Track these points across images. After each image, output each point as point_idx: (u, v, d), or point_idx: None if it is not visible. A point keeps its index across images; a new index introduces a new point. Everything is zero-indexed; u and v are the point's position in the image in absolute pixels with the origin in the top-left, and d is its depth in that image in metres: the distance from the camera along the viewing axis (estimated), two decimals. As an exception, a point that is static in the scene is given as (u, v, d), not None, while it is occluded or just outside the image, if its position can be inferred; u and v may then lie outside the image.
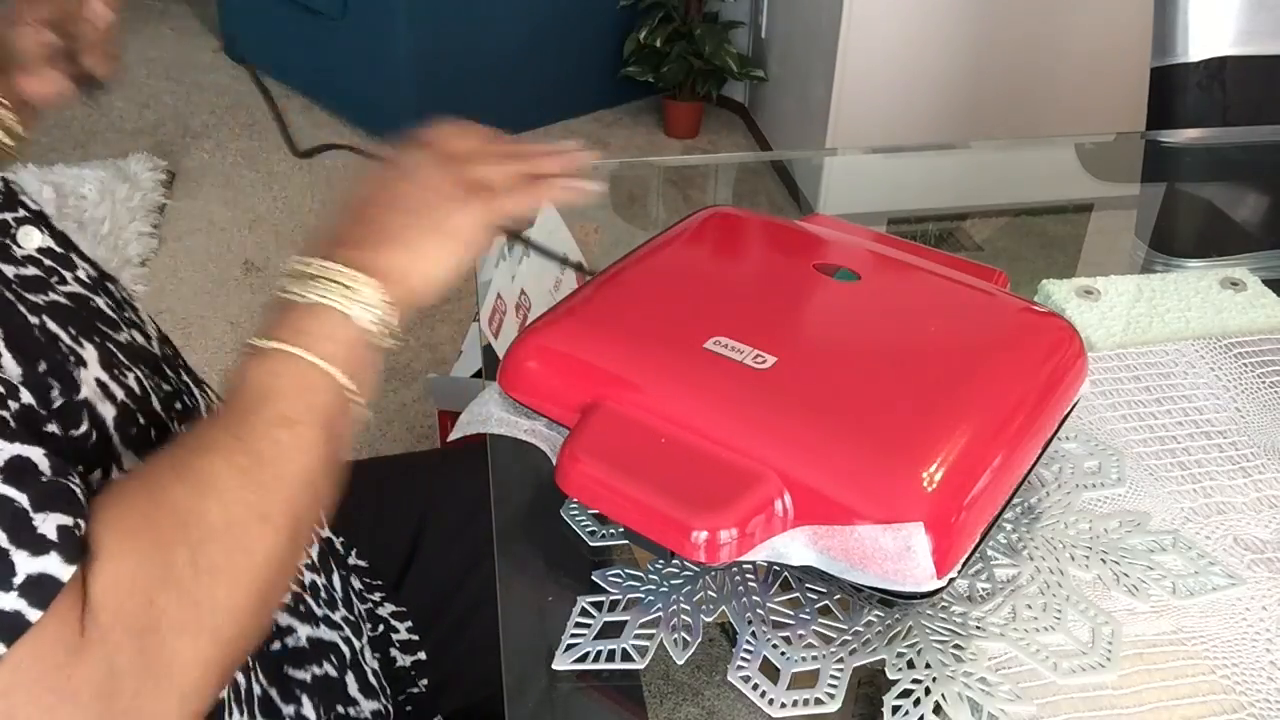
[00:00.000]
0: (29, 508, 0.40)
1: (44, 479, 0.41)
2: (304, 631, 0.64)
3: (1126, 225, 1.06)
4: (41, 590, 0.39)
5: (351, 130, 2.61)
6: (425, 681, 0.75)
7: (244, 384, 0.49)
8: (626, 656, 0.53)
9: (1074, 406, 0.59)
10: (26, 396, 0.46)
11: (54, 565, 0.40)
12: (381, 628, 0.75)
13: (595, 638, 0.54)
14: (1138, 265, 0.94)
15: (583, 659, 0.53)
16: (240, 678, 0.57)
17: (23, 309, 0.50)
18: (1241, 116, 1.16)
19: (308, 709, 0.62)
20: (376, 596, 0.76)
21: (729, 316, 0.58)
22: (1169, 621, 0.55)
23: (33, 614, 0.39)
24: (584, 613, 0.56)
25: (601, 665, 0.53)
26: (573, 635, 0.55)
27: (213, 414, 0.49)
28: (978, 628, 0.54)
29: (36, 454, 0.42)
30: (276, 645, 0.63)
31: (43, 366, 0.48)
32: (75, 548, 0.41)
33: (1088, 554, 0.58)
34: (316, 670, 0.64)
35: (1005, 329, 0.60)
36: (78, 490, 0.43)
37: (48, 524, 0.40)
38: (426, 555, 0.80)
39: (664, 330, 0.58)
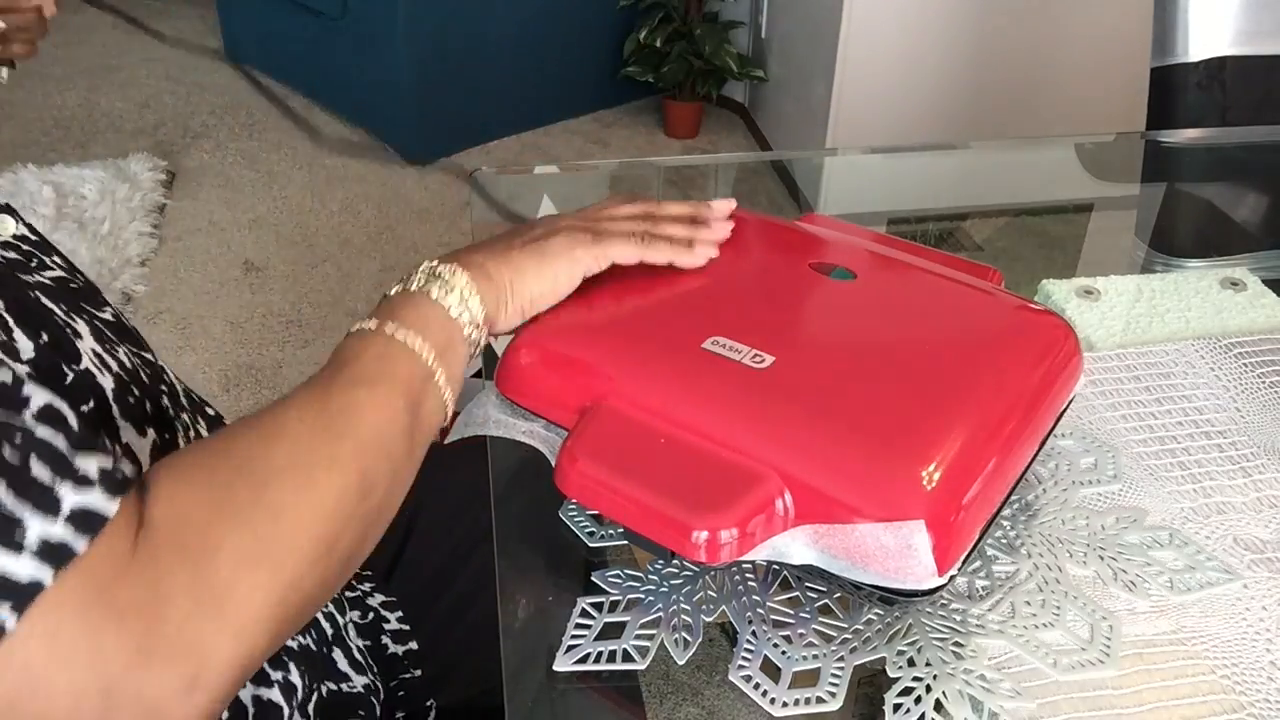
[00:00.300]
0: (66, 451, 0.40)
1: (75, 429, 0.41)
2: None
3: (1126, 225, 1.06)
4: (89, 521, 0.39)
5: (351, 130, 2.61)
6: (419, 671, 0.75)
7: (332, 357, 0.51)
8: (627, 657, 0.53)
9: (1070, 403, 0.59)
10: (43, 369, 0.47)
11: (98, 499, 0.39)
12: (371, 616, 0.76)
13: (596, 638, 0.54)
14: (1138, 265, 0.94)
15: (583, 660, 0.54)
16: None
17: (22, 278, 0.50)
18: (1241, 116, 1.16)
19: (294, 676, 0.62)
20: (366, 586, 0.77)
21: (726, 316, 0.58)
22: (1169, 621, 0.55)
23: (80, 543, 0.38)
24: (584, 614, 0.56)
25: (602, 666, 0.53)
26: (573, 636, 0.55)
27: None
28: (977, 625, 0.54)
29: (64, 407, 0.42)
30: None
31: (44, 338, 0.48)
32: (118, 486, 0.40)
33: (1085, 550, 0.58)
34: (302, 639, 0.64)
35: (1001, 327, 0.60)
36: (108, 441, 0.43)
37: (89, 464, 0.40)
38: (416, 547, 0.80)
39: (661, 330, 0.58)
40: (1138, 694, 0.52)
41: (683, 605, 0.56)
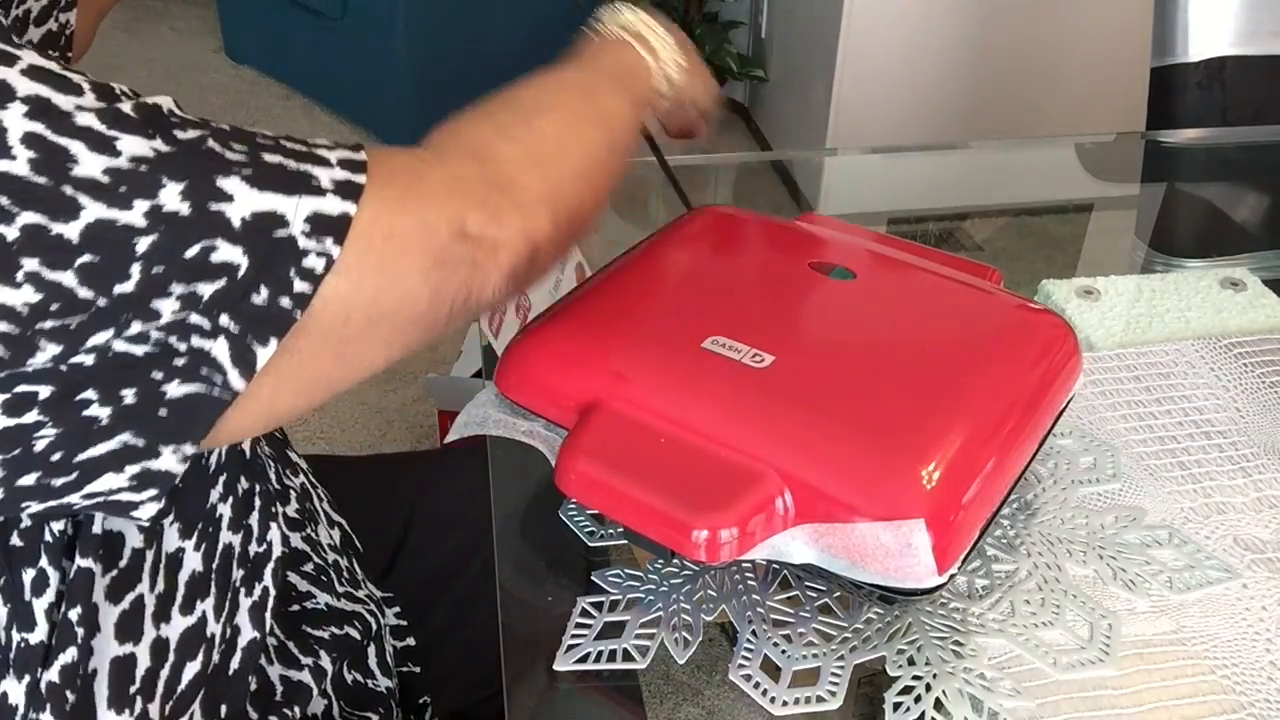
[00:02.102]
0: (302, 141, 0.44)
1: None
2: (323, 599, 0.66)
3: (1126, 225, 1.06)
4: (359, 165, 0.43)
5: (351, 130, 2.61)
6: (418, 668, 0.75)
7: (576, 52, 0.61)
8: (628, 656, 0.53)
9: (1069, 402, 0.60)
10: None
11: (356, 153, 0.44)
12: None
13: (596, 638, 0.54)
14: (1138, 265, 0.94)
15: (584, 659, 0.54)
16: (254, 633, 0.58)
17: None
18: (1241, 116, 1.16)
19: (325, 662, 0.64)
20: (364, 593, 0.77)
21: (726, 316, 0.58)
22: (1169, 621, 0.55)
23: (360, 177, 0.42)
24: (584, 613, 0.56)
25: (603, 666, 0.53)
26: (573, 636, 0.55)
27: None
28: (977, 624, 0.54)
29: None
30: (295, 608, 0.64)
31: None
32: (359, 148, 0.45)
33: (1085, 550, 0.58)
34: (336, 630, 0.66)
35: (1000, 326, 0.60)
36: None
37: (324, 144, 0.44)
38: (414, 547, 0.81)
39: (661, 330, 0.58)
40: (1137, 694, 0.52)
41: (683, 605, 0.56)
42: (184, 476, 0.48)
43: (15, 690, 0.46)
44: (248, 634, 0.57)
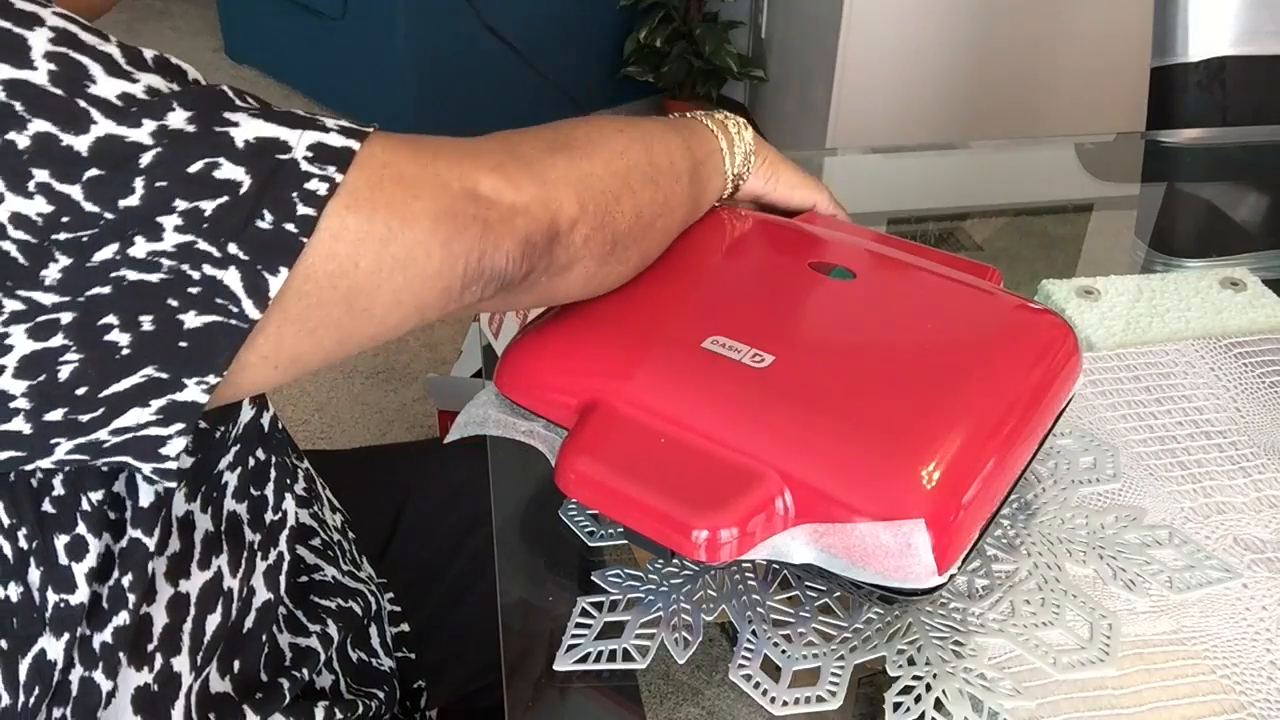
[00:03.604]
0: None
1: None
2: (330, 572, 0.67)
3: (1126, 225, 1.06)
4: (359, 133, 0.43)
5: (351, 130, 2.61)
6: (413, 655, 0.76)
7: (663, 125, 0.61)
8: (628, 656, 0.53)
9: (1069, 402, 0.60)
10: None
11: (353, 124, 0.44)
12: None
13: (596, 638, 0.55)
14: (1138, 265, 0.94)
15: (584, 659, 0.54)
16: (268, 594, 0.59)
17: None
18: (1241, 116, 1.16)
19: (332, 629, 0.65)
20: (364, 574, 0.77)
21: (726, 315, 0.58)
22: (1169, 621, 0.55)
23: (368, 127, 0.44)
24: (584, 613, 0.56)
25: (602, 665, 0.53)
26: (573, 635, 0.55)
27: None
28: (977, 624, 0.54)
29: None
30: (304, 579, 0.66)
31: None
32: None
33: (1084, 549, 0.58)
34: (342, 602, 0.67)
35: (1000, 326, 0.60)
36: None
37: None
38: (406, 535, 0.82)
39: (661, 330, 0.58)
40: (1137, 693, 0.52)
41: (683, 605, 0.56)
42: (197, 445, 0.48)
43: (54, 647, 0.48)
44: (262, 595, 0.59)
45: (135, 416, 0.42)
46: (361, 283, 0.43)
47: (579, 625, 0.55)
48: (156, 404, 0.41)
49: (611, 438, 0.53)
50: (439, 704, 0.77)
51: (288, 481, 0.61)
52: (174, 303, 0.40)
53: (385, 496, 0.83)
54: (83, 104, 0.37)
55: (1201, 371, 0.72)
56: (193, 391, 0.42)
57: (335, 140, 0.42)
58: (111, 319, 0.39)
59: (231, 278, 0.40)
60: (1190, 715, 0.51)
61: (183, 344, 0.41)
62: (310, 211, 0.41)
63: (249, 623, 0.58)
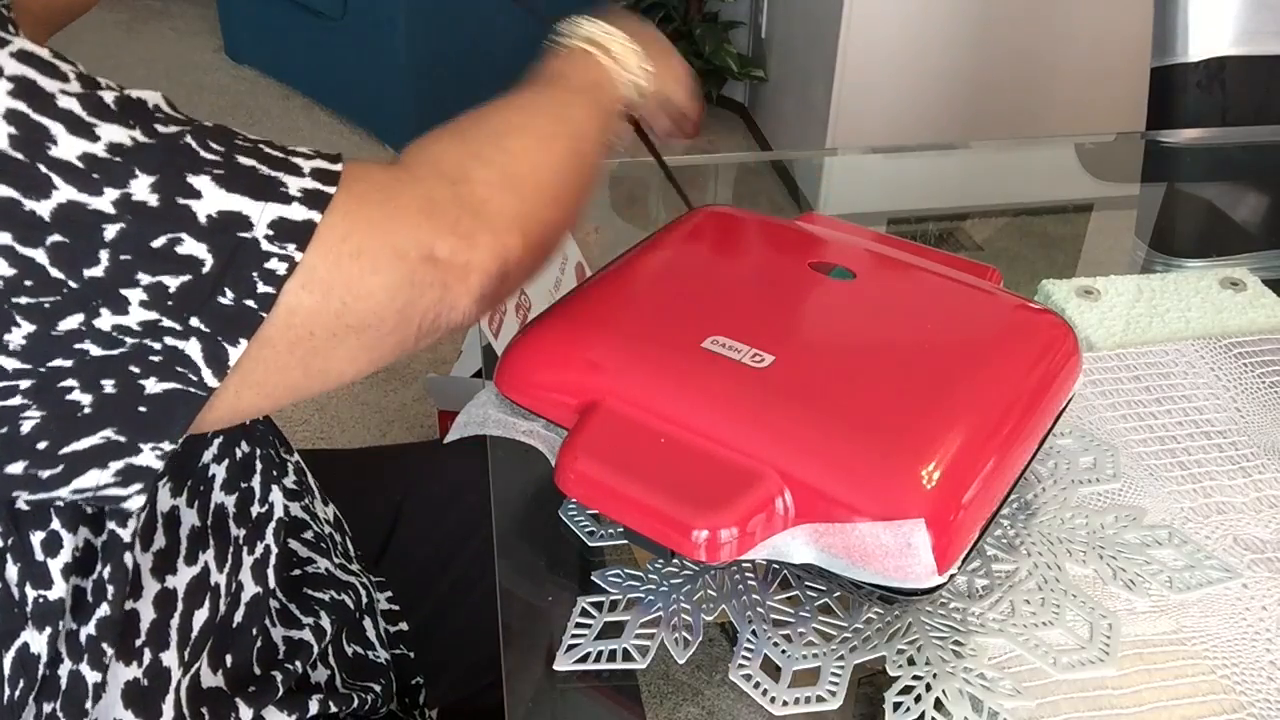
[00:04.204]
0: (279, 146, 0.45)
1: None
2: (323, 564, 0.68)
3: (1126, 225, 1.06)
4: (331, 176, 0.44)
5: (351, 130, 2.61)
6: (412, 653, 0.76)
7: (542, 70, 0.62)
8: (628, 656, 0.53)
9: (1069, 402, 0.60)
10: None
11: (329, 163, 0.45)
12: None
13: (596, 638, 0.55)
14: (1138, 265, 0.94)
15: (584, 659, 0.54)
16: (257, 588, 0.60)
17: None
18: (1241, 116, 1.16)
19: (325, 622, 0.65)
20: (354, 568, 0.77)
21: (726, 315, 0.58)
22: (1169, 621, 0.55)
23: (331, 189, 0.44)
24: (584, 613, 0.56)
25: (602, 665, 0.53)
26: (573, 635, 0.55)
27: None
28: (977, 624, 0.54)
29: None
30: (297, 572, 0.66)
31: None
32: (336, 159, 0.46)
33: (1084, 549, 0.58)
34: (335, 595, 0.67)
35: (1000, 325, 0.60)
36: None
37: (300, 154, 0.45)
38: (405, 534, 0.82)
39: (661, 330, 0.58)
40: (1137, 693, 0.52)
41: (683, 604, 0.56)
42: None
43: (37, 640, 0.49)
44: (251, 589, 0.59)
45: (94, 478, 0.43)
46: (319, 348, 0.44)
47: (579, 625, 0.55)
48: (115, 466, 0.43)
49: (611, 438, 0.53)
50: (439, 703, 0.77)
51: (274, 474, 0.62)
52: (135, 369, 0.41)
53: (385, 496, 0.83)
54: (44, 169, 0.38)
55: (1201, 371, 0.72)
56: (148, 456, 0.43)
57: (297, 214, 0.42)
58: (72, 382, 0.40)
59: (193, 348, 0.41)
60: (1190, 715, 0.51)
61: (142, 409, 0.42)
62: (270, 290, 0.42)
63: (239, 617, 0.58)
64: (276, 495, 0.61)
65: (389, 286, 0.44)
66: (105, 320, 0.39)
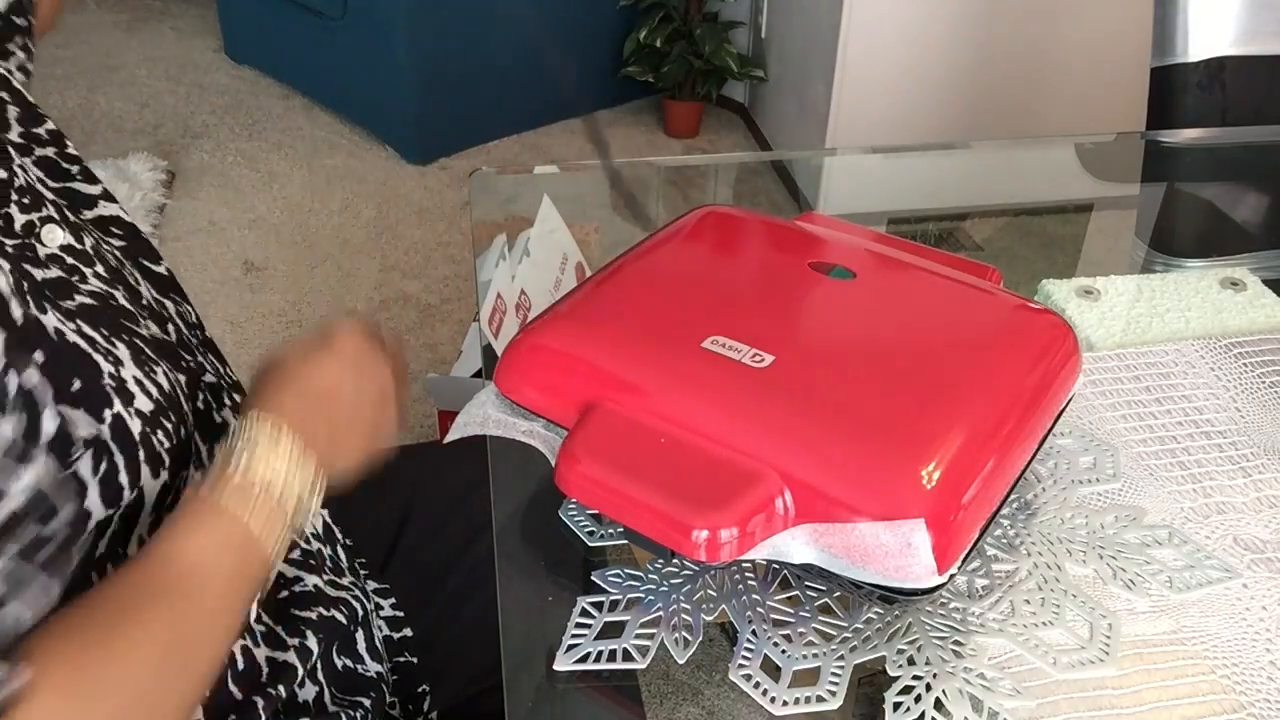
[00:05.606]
0: None
1: None
2: (312, 580, 0.66)
3: (1126, 225, 1.06)
4: None
5: (351, 130, 2.61)
6: (416, 659, 0.76)
7: (185, 548, 0.51)
8: (628, 656, 0.53)
9: (1069, 402, 0.60)
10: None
11: None
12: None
13: (596, 638, 0.54)
14: (1138, 265, 0.94)
15: (584, 659, 0.53)
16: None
17: (63, 305, 0.51)
18: (1241, 116, 1.16)
19: (311, 642, 0.64)
20: (361, 575, 0.77)
21: (726, 315, 0.58)
22: (1169, 621, 0.55)
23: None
24: (584, 613, 0.56)
25: (602, 665, 0.53)
26: (573, 635, 0.55)
27: (150, 564, 0.50)
28: (977, 624, 0.54)
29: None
30: (284, 594, 0.65)
31: (77, 384, 0.49)
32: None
33: (1084, 549, 0.58)
34: (324, 611, 0.66)
35: (1000, 326, 0.60)
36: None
37: None
38: (411, 540, 0.81)
39: (661, 330, 0.58)
40: (1137, 693, 0.52)
41: (683, 604, 0.56)
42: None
43: None
44: None
45: None
46: None
47: (579, 625, 0.55)
48: None
49: (611, 438, 0.53)
50: (442, 707, 0.77)
51: None
52: None
53: (390, 500, 0.82)
54: None
55: (1201, 371, 0.72)
56: None
57: None
58: None
59: None
60: (1190, 715, 0.51)
61: None
62: None
63: None
64: None
65: None
66: None
